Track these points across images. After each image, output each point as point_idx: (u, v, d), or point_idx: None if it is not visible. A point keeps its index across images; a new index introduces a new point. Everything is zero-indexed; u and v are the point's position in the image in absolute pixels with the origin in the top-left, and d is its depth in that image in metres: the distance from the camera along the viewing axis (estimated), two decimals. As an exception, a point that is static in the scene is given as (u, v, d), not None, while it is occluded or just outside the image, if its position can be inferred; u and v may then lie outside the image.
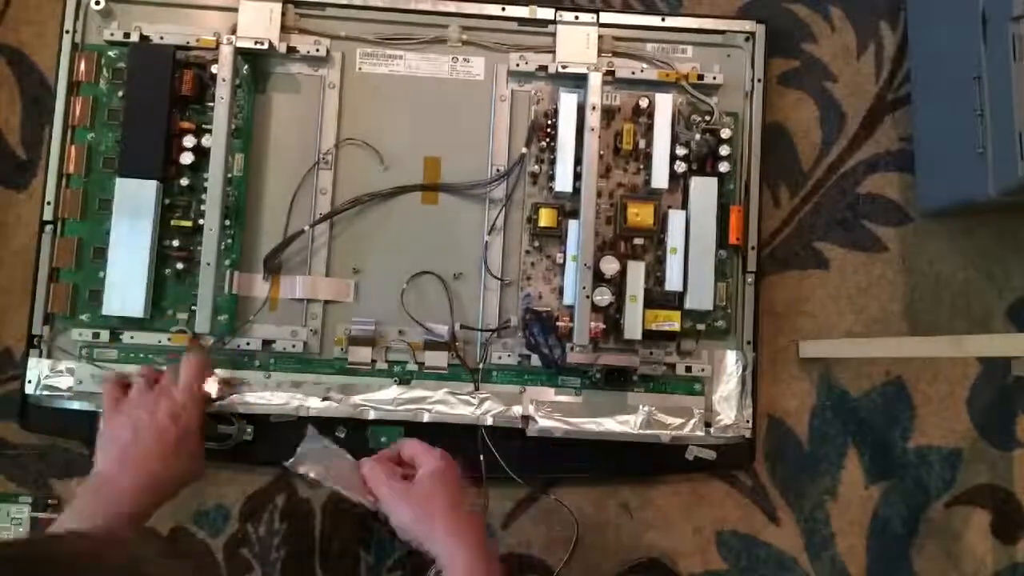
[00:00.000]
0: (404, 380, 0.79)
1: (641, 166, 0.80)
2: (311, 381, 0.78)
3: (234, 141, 0.78)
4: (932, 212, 0.85)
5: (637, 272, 0.77)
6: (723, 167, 0.80)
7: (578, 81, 0.80)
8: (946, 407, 0.85)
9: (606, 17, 0.82)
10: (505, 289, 0.80)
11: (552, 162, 0.79)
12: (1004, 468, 0.84)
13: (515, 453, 0.79)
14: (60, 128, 0.78)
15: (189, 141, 0.77)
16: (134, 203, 0.75)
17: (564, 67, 0.79)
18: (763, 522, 0.83)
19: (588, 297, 0.76)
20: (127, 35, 0.77)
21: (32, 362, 0.77)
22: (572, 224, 0.77)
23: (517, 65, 0.80)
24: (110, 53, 0.79)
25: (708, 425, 0.80)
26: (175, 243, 0.77)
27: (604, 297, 0.76)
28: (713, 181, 0.79)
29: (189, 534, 0.80)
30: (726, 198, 0.80)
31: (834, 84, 0.87)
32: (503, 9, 0.81)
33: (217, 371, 0.77)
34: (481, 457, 0.77)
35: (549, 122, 0.79)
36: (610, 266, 0.77)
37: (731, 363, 0.81)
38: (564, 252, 0.78)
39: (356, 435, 0.78)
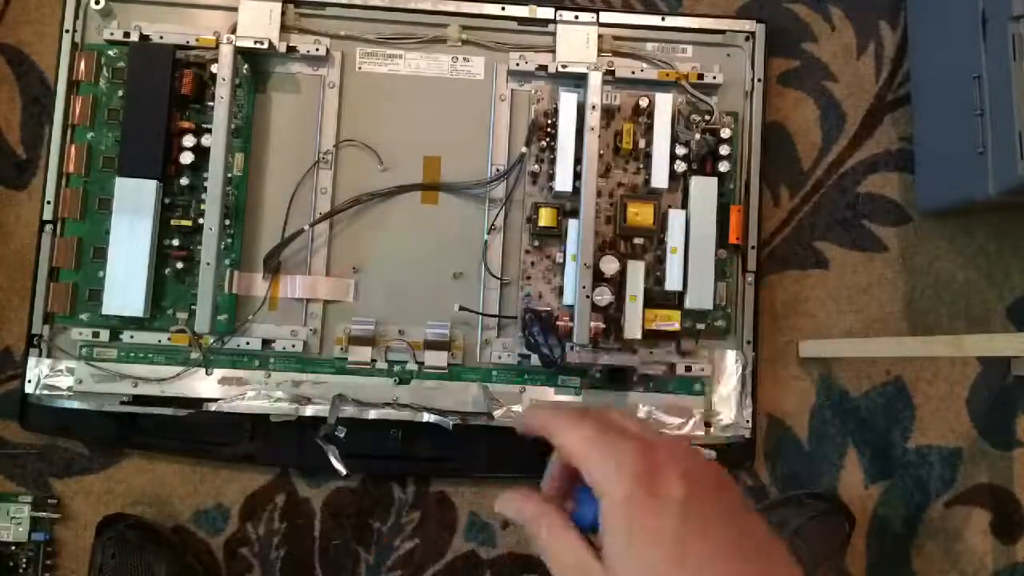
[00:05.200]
0: (404, 380, 0.79)
1: (641, 166, 0.80)
2: (311, 381, 0.78)
3: (234, 141, 0.78)
4: (932, 212, 0.85)
5: (637, 272, 0.77)
6: (723, 167, 0.80)
7: (578, 81, 0.80)
8: (946, 407, 0.85)
9: (606, 17, 0.82)
10: (505, 289, 0.80)
11: (552, 162, 0.79)
12: (1004, 468, 0.84)
13: (515, 452, 0.79)
14: (60, 128, 0.78)
15: (189, 141, 0.77)
16: (134, 203, 0.75)
17: (564, 67, 0.79)
18: (763, 522, 0.83)
19: (588, 297, 0.76)
20: (127, 35, 0.77)
21: (32, 362, 0.77)
22: (572, 223, 0.77)
23: (517, 65, 0.80)
24: (110, 52, 0.79)
25: (708, 425, 0.80)
26: (175, 242, 0.77)
27: (604, 297, 0.76)
28: (713, 181, 0.79)
29: (189, 533, 0.80)
30: (726, 198, 0.80)
31: (834, 84, 0.87)
32: (503, 9, 0.81)
33: (217, 370, 0.78)
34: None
35: (549, 122, 0.79)
36: (610, 266, 0.77)
37: (731, 363, 0.81)
38: (564, 252, 0.78)
39: (356, 435, 0.77)
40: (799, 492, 0.81)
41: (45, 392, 0.77)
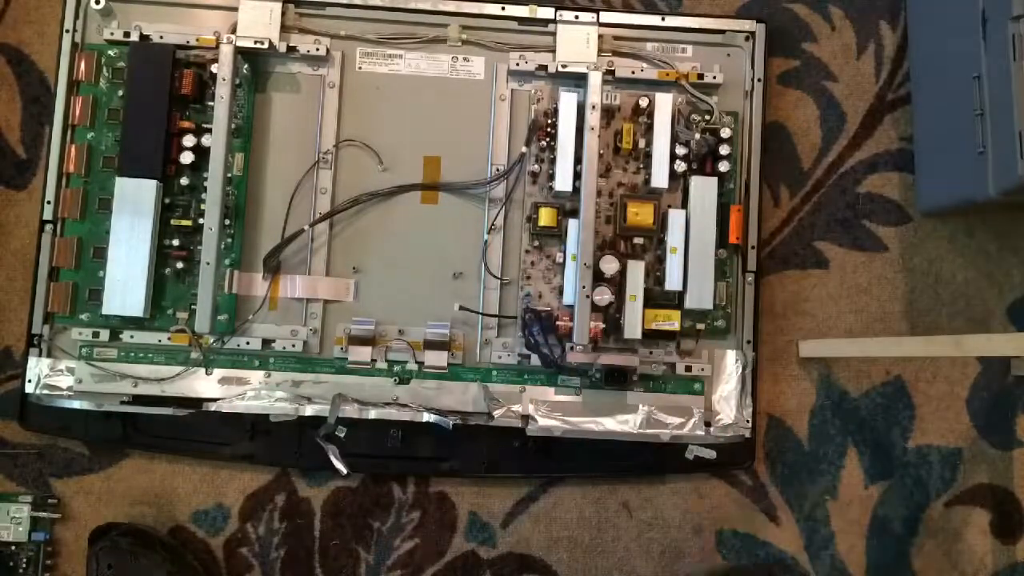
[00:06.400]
0: (404, 380, 0.79)
1: (641, 165, 0.80)
2: (311, 381, 0.78)
3: (234, 140, 0.78)
4: (932, 212, 0.85)
5: (637, 271, 0.77)
6: (723, 167, 0.80)
7: (578, 80, 0.80)
8: (946, 407, 0.85)
9: (606, 17, 0.82)
10: (505, 289, 0.80)
11: (552, 161, 0.79)
12: (1004, 468, 0.84)
13: (515, 453, 0.79)
14: (60, 127, 0.78)
15: (189, 140, 0.77)
16: (134, 202, 0.75)
17: (564, 66, 0.79)
18: (763, 521, 0.83)
19: (588, 297, 0.76)
20: (127, 34, 0.77)
21: (32, 361, 0.77)
22: (572, 223, 0.77)
23: (517, 64, 0.80)
24: (110, 52, 0.79)
25: (708, 424, 0.80)
26: (175, 242, 0.77)
27: (604, 297, 0.76)
28: (713, 181, 0.79)
29: (189, 533, 0.80)
30: (726, 198, 0.80)
31: (834, 84, 0.87)
32: (503, 9, 0.81)
33: (217, 370, 0.78)
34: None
35: (549, 121, 0.79)
36: (610, 265, 0.77)
37: (731, 362, 0.81)
38: (564, 251, 0.78)
39: (356, 435, 0.77)
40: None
41: (45, 392, 0.77)
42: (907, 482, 0.84)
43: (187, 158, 0.77)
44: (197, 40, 0.77)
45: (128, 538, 0.75)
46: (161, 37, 0.77)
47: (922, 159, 0.85)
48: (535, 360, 0.77)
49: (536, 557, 0.82)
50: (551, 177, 0.79)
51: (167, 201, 0.77)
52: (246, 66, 0.79)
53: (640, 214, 0.78)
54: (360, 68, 0.81)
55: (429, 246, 0.80)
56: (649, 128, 0.79)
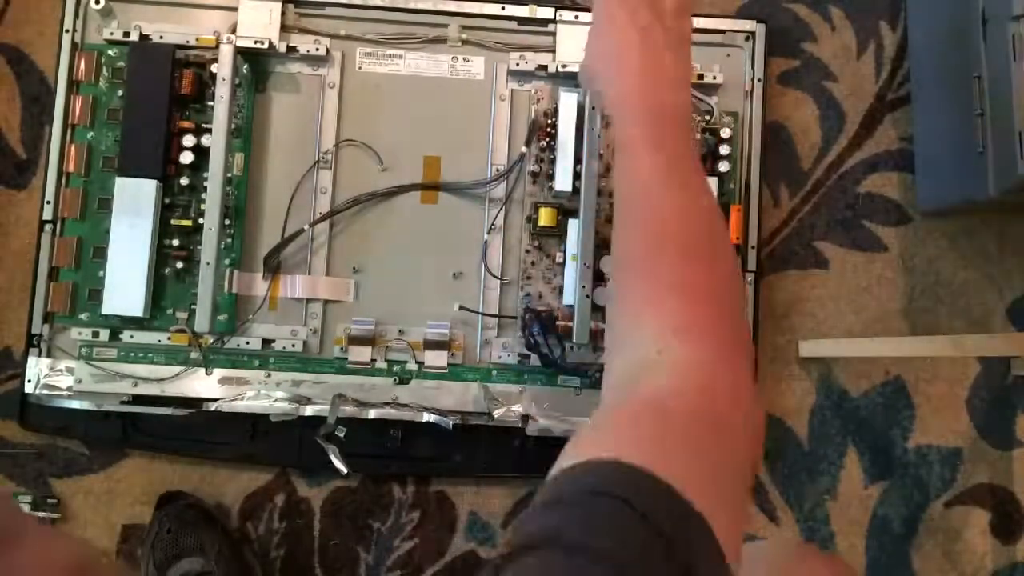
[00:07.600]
0: (404, 380, 0.79)
1: (641, 166, 0.80)
2: (311, 381, 0.78)
3: (234, 140, 0.78)
4: (932, 212, 0.85)
5: (637, 272, 0.77)
6: (723, 167, 0.80)
7: (578, 80, 0.80)
8: (946, 407, 0.85)
9: (606, 17, 0.81)
10: (505, 289, 0.80)
11: (552, 161, 0.79)
12: (1004, 468, 0.84)
13: (515, 452, 0.79)
14: (60, 127, 0.78)
15: (189, 140, 0.77)
16: (134, 202, 0.75)
17: (564, 66, 0.79)
18: (763, 521, 0.83)
19: (588, 296, 0.75)
20: (127, 34, 0.77)
21: (32, 361, 0.77)
22: (572, 223, 0.77)
23: (517, 64, 0.80)
24: (110, 52, 0.79)
25: (708, 425, 0.80)
26: (175, 242, 0.77)
27: (604, 296, 0.76)
28: (713, 181, 0.79)
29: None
30: (726, 198, 0.80)
31: (834, 84, 0.87)
32: (503, 9, 0.81)
33: (217, 370, 0.78)
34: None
35: (549, 121, 0.79)
36: (610, 266, 0.77)
37: (731, 363, 0.81)
38: (564, 251, 0.78)
39: (356, 435, 0.77)
40: None
41: (45, 392, 0.77)
42: (907, 482, 0.84)
43: (187, 158, 0.77)
44: (197, 40, 0.77)
45: (194, 510, 0.76)
46: (161, 37, 0.77)
47: (922, 159, 0.85)
48: (535, 360, 0.77)
49: (536, 557, 0.81)
50: (551, 177, 0.79)
51: (167, 201, 0.77)
52: (246, 66, 0.79)
53: (640, 214, 0.78)
54: (360, 68, 0.81)
55: (429, 246, 0.80)
56: (649, 128, 0.79)
